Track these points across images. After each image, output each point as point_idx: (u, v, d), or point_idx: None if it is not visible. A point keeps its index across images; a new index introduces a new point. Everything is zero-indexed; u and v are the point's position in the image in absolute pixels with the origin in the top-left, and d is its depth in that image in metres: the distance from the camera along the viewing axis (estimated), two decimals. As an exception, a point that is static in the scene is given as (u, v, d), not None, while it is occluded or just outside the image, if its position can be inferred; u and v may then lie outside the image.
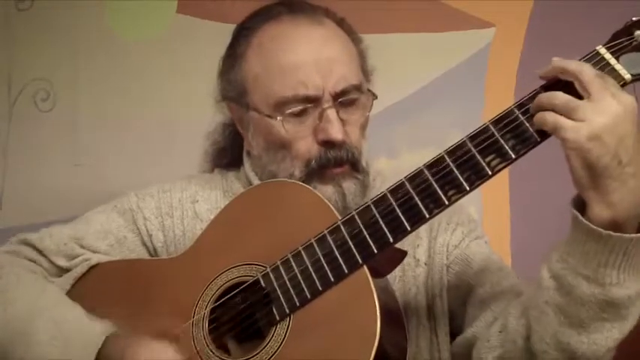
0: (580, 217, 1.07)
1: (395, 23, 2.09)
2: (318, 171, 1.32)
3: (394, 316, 1.22)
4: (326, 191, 1.31)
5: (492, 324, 1.25)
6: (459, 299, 1.35)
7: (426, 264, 1.39)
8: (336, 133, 1.30)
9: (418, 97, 2.09)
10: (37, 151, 2.13)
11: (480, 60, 2.07)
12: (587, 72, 1.06)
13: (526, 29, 2.03)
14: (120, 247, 1.42)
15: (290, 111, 1.32)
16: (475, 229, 1.43)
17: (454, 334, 1.36)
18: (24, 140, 2.15)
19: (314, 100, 1.31)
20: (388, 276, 1.26)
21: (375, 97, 1.37)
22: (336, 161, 1.32)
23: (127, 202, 1.46)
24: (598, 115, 1.03)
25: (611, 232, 1.05)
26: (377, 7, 2.08)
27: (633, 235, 1.05)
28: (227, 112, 1.46)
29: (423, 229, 1.39)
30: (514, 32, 2.04)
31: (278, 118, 1.32)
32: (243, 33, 1.41)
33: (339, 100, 1.32)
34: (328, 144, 1.32)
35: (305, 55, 1.32)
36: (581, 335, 1.10)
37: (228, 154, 1.50)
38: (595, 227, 1.05)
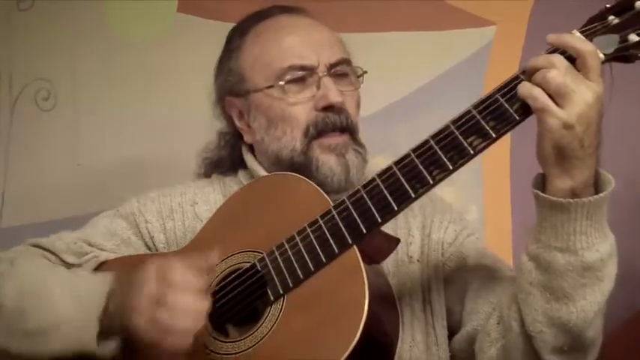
0: (542, 194, 1.15)
1: (396, 22, 2.10)
2: (318, 138, 1.38)
3: (385, 296, 1.26)
4: (329, 161, 1.38)
5: (490, 316, 1.30)
6: (455, 294, 1.39)
7: (419, 260, 1.43)
8: (334, 96, 1.38)
9: (419, 95, 2.09)
10: (39, 151, 2.14)
11: (480, 59, 2.07)
12: (559, 65, 1.11)
13: (527, 28, 2.03)
14: (126, 247, 1.46)
15: (289, 77, 1.40)
16: (467, 227, 1.48)
17: (451, 330, 1.40)
18: (25, 139, 2.15)
19: (310, 69, 1.40)
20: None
21: (364, 72, 1.46)
22: (335, 126, 1.39)
23: (129, 206, 1.50)
24: (574, 105, 1.10)
25: (571, 199, 1.13)
26: (378, 6, 2.09)
27: (591, 197, 1.13)
28: (223, 120, 1.53)
29: (415, 227, 1.45)
30: (515, 31, 2.04)
31: (279, 83, 1.40)
32: (238, 33, 1.51)
33: (333, 70, 1.41)
34: (328, 109, 1.38)
35: (299, 36, 1.43)
36: (569, 306, 1.17)
37: (225, 162, 1.55)
38: (556, 198, 1.13)
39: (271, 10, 1.50)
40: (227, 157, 1.55)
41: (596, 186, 1.16)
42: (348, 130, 1.40)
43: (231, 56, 1.48)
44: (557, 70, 1.11)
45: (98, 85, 2.13)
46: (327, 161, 1.38)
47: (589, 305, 1.16)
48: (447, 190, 2.00)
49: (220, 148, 1.56)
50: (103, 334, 1.22)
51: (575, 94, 1.10)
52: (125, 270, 1.26)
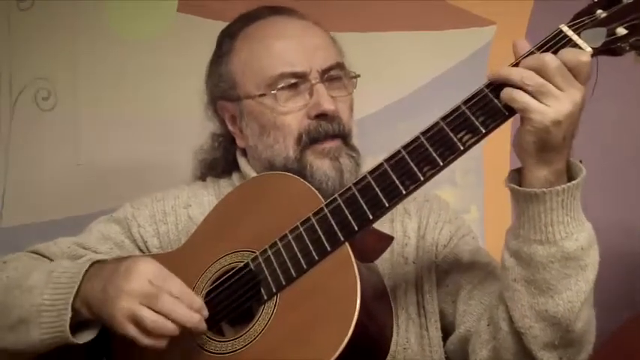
0: (517, 187, 1.17)
1: (396, 21, 2.10)
2: (311, 146, 1.39)
3: (378, 291, 1.26)
4: (323, 166, 1.38)
5: (481, 317, 1.30)
6: (449, 296, 1.40)
7: (414, 262, 1.43)
8: (327, 103, 1.38)
9: (419, 95, 2.09)
10: (39, 150, 2.15)
11: (480, 58, 2.07)
12: (550, 64, 1.12)
13: (527, 27, 2.03)
14: (119, 250, 1.48)
15: (281, 86, 1.40)
16: (462, 227, 1.49)
17: (446, 331, 1.41)
18: (25, 139, 2.15)
19: (302, 76, 1.40)
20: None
21: (357, 75, 1.46)
22: (328, 134, 1.39)
23: (122, 212, 1.52)
24: (563, 103, 1.11)
25: (545, 189, 1.14)
26: (378, 6, 2.09)
27: (564, 185, 1.15)
28: (216, 122, 1.54)
29: (411, 229, 1.45)
30: (515, 30, 2.05)
31: (271, 92, 1.40)
32: (227, 36, 1.50)
33: (326, 76, 1.41)
34: (321, 117, 1.39)
35: (290, 41, 1.42)
36: (554, 298, 1.17)
37: (219, 164, 1.56)
38: (531, 189, 1.15)
39: (260, 12, 1.49)
40: (221, 159, 1.56)
41: (569, 177, 1.18)
42: (341, 136, 1.40)
43: (222, 61, 1.48)
44: (547, 71, 1.11)
45: (98, 85, 2.14)
46: (320, 166, 1.38)
47: (575, 295, 1.17)
48: (447, 190, 2.01)
49: (214, 150, 1.57)
50: (80, 321, 1.25)
51: (565, 95, 1.11)
52: (112, 261, 1.29)
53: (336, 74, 1.43)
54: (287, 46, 1.41)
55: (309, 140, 1.39)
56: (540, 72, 1.12)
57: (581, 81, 1.13)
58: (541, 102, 1.12)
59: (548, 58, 1.12)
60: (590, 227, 1.19)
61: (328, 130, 1.39)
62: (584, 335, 1.22)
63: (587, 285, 1.18)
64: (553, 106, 1.11)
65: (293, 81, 1.39)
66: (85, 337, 1.26)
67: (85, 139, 2.13)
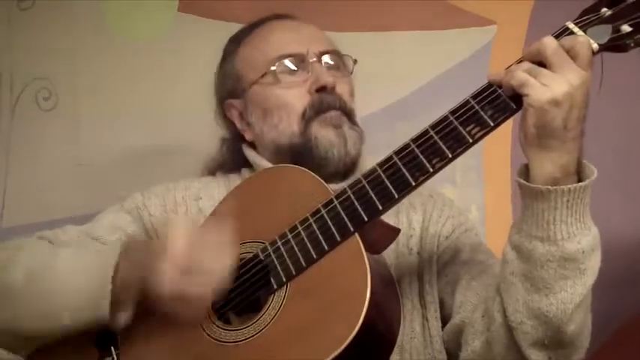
0: (524, 182, 1.18)
1: (397, 21, 2.11)
2: (315, 117, 1.43)
3: (387, 283, 1.28)
4: (327, 135, 1.43)
5: (476, 308, 1.32)
6: (448, 286, 1.42)
7: (418, 253, 1.46)
8: (326, 77, 1.44)
9: (420, 94, 2.09)
10: (39, 150, 2.14)
11: (481, 58, 2.08)
12: (549, 44, 1.15)
13: (527, 27, 2.03)
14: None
15: (281, 63, 1.46)
16: (465, 222, 1.52)
17: (445, 322, 1.42)
18: (26, 139, 2.15)
19: (300, 58, 1.46)
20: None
21: (355, 60, 1.52)
22: (330, 105, 1.44)
23: (133, 201, 1.53)
24: (560, 83, 1.13)
25: (550, 187, 1.15)
26: (378, 5, 2.09)
27: (570, 185, 1.15)
28: (224, 128, 1.58)
29: (415, 222, 1.49)
30: (515, 30, 2.06)
31: (271, 68, 1.46)
32: (233, 42, 1.57)
33: (323, 57, 1.47)
34: (321, 90, 1.44)
35: (287, 32, 1.51)
36: (549, 297, 1.18)
37: (227, 163, 1.59)
38: (536, 185, 1.16)
39: (263, 20, 1.56)
40: (229, 160, 1.59)
41: (580, 178, 1.18)
42: (343, 110, 1.45)
43: (226, 62, 1.55)
44: (545, 50, 1.15)
45: (99, 85, 2.14)
46: (325, 135, 1.43)
47: (569, 297, 1.17)
48: (447, 189, 2.02)
49: (222, 154, 1.60)
50: (115, 303, 1.25)
51: (560, 76, 1.13)
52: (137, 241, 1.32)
53: (333, 60, 1.49)
54: (284, 35, 1.50)
55: (313, 113, 1.43)
56: (539, 53, 1.15)
57: (579, 64, 1.14)
58: (544, 83, 1.13)
59: (547, 39, 1.16)
60: (595, 232, 1.19)
61: (330, 102, 1.44)
62: (577, 339, 1.22)
63: (584, 289, 1.18)
64: (549, 85, 1.13)
65: (292, 60, 1.46)
66: (121, 318, 1.27)
67: (85, 139, 2.13)
